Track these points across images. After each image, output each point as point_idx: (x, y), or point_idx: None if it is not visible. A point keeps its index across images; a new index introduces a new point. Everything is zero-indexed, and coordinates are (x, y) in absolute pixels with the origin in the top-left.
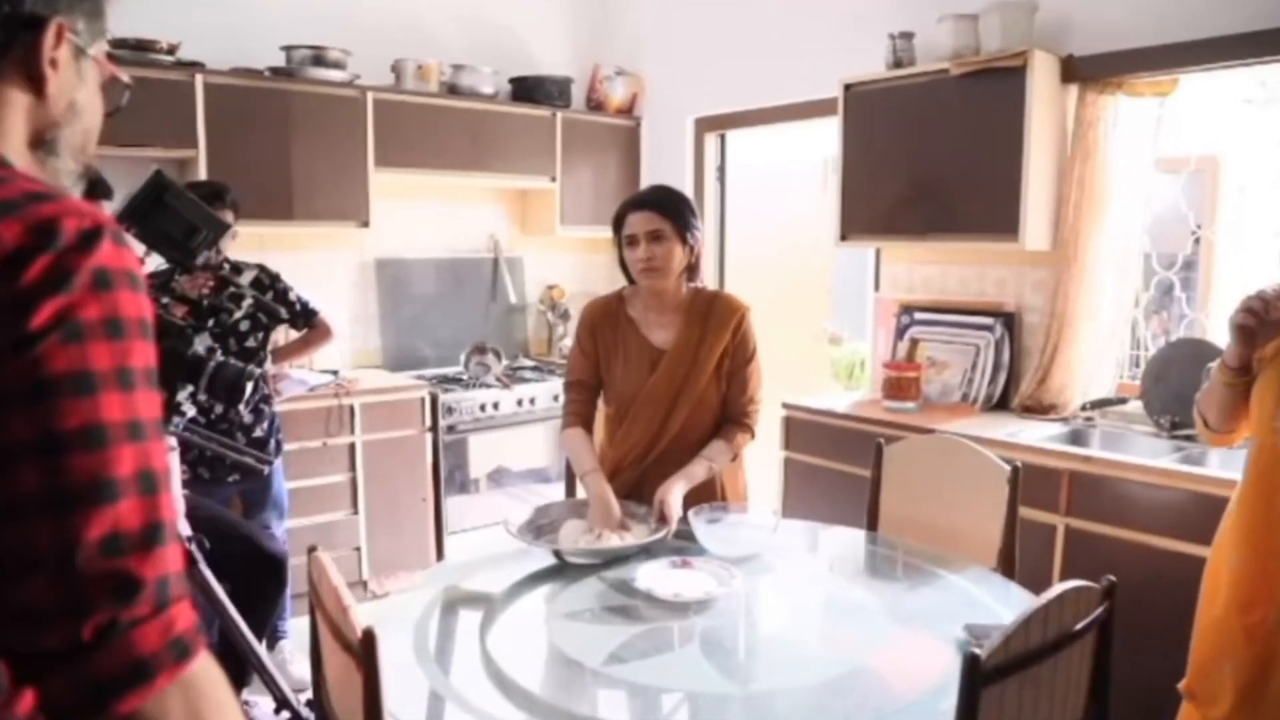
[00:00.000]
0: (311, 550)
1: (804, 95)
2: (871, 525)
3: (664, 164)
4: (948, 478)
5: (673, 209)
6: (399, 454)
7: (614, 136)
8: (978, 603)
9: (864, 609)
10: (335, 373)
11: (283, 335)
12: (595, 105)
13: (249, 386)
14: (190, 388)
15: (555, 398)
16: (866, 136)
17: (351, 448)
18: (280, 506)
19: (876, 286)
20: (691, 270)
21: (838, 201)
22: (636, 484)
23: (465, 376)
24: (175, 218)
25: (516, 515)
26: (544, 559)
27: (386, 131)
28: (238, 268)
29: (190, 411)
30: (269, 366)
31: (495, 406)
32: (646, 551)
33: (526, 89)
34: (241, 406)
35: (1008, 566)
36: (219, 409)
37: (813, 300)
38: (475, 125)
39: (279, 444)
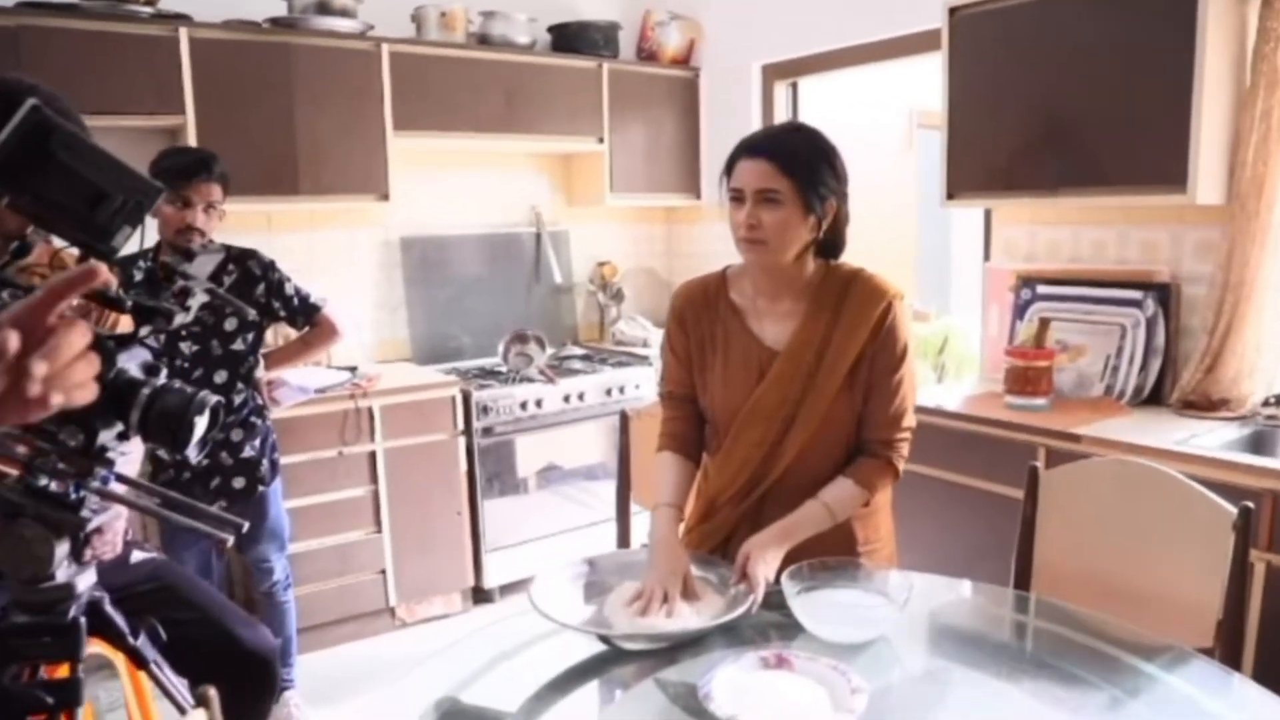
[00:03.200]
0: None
1: (894, 30)
2: (1022, 580)
3: (727, 119)
4: (1137, 519)
5: (796, 162)
6: (427, 462)
7: (669, 90)
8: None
9: None
10: (353, 369)
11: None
12: (647, 55)
13: (200, 421)
14: (119, 425)
15: (609, 392)
16: (980, 72)
17: (372, 456)
18: (280, 536)
19: (987, 255)
20: (827, 247)
21: (943, 154)
22: (733, 532)
23: (504, 369)
24: (70, 178)
25: (549, 576)
26: (583, 644)
27: (406, 90)
28: (229, 254)
29: (130, 457)
30: (261, 373)
31: (538, 404)
32: (730, 630)
33: (567, 38)
34: (192, 451)
35: (1232, 650)
36: None
37: (895, 272)
38: (509, 81)
39: (275, 464)
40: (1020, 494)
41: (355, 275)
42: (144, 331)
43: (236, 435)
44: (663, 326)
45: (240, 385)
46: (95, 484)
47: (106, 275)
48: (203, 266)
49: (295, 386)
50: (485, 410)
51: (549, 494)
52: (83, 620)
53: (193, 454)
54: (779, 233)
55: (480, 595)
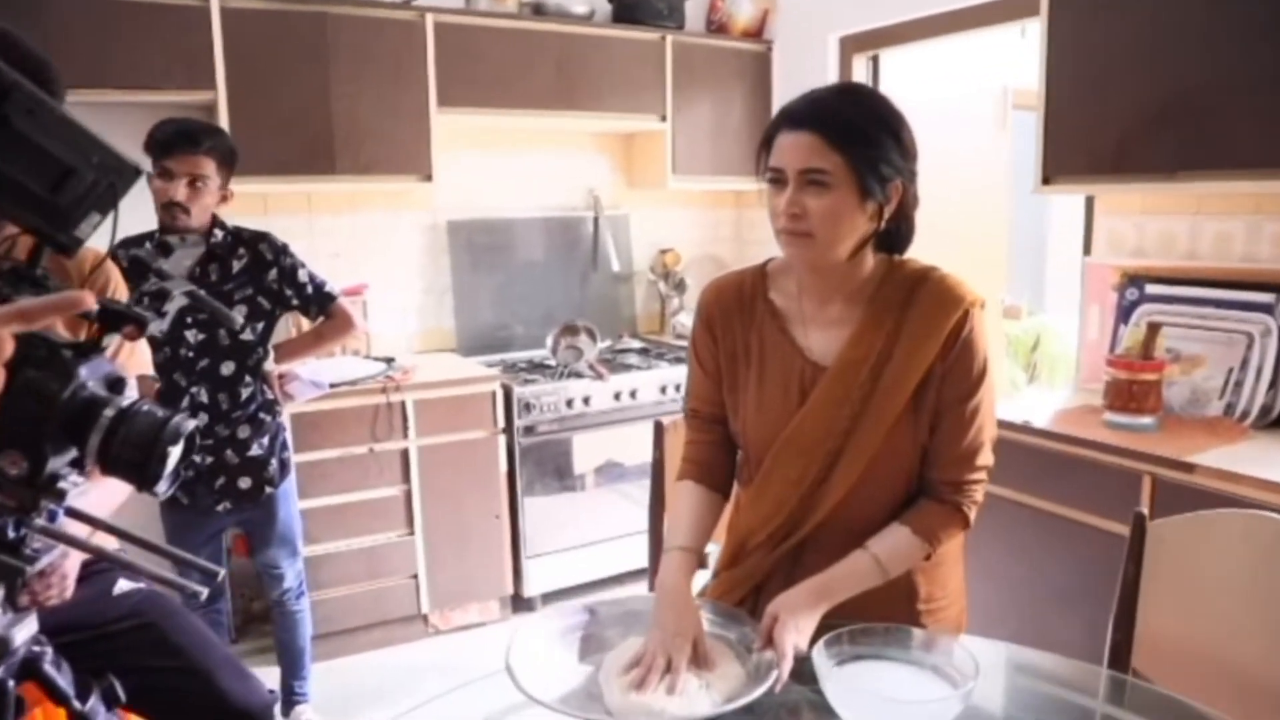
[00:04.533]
0: None
1: None
2: (1120, 656)
3: None
4: (1275, 589)
5: (850, 133)
6: (464, 461)
7: (739, 64)
8: None
9: None
10: (390, 360)
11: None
12: (716, 27)
13: (174, 451)
14: (73, 451)
15: (664, 390)
16: (1084, 38)
17: (405, 454)
18: (291, 541)
19: (1087, 248)
20: (890, 239)
21: (1039, 133)
22: (765, 581)
23: (553, 362)
24: (29, 150)
25: (537, 627)
26: None
27: (452, 64)
28: (239, 237)
29: (83, 486)
30: (270, 365)
31: (586, 401)
32: (748, 711)
33: (628, 7)
34: (162, 485)
35: None
36: (202, 416)
37: (985, 264)
38: (565, 54)
39: (285, 464)
40: (1120, 528)
41: (399, 260)
42: (173, 309)
43: (244, 432)
44: None
45: (248, 378)
46: (40, 521)
47: (90, 303)
48: (181, 261)
49: (308, 381)
50: (528, 407)
51: (597, 497)
52: (11, 685)
53: (162, 488)
54: (828, 223)
55: (520, 603)
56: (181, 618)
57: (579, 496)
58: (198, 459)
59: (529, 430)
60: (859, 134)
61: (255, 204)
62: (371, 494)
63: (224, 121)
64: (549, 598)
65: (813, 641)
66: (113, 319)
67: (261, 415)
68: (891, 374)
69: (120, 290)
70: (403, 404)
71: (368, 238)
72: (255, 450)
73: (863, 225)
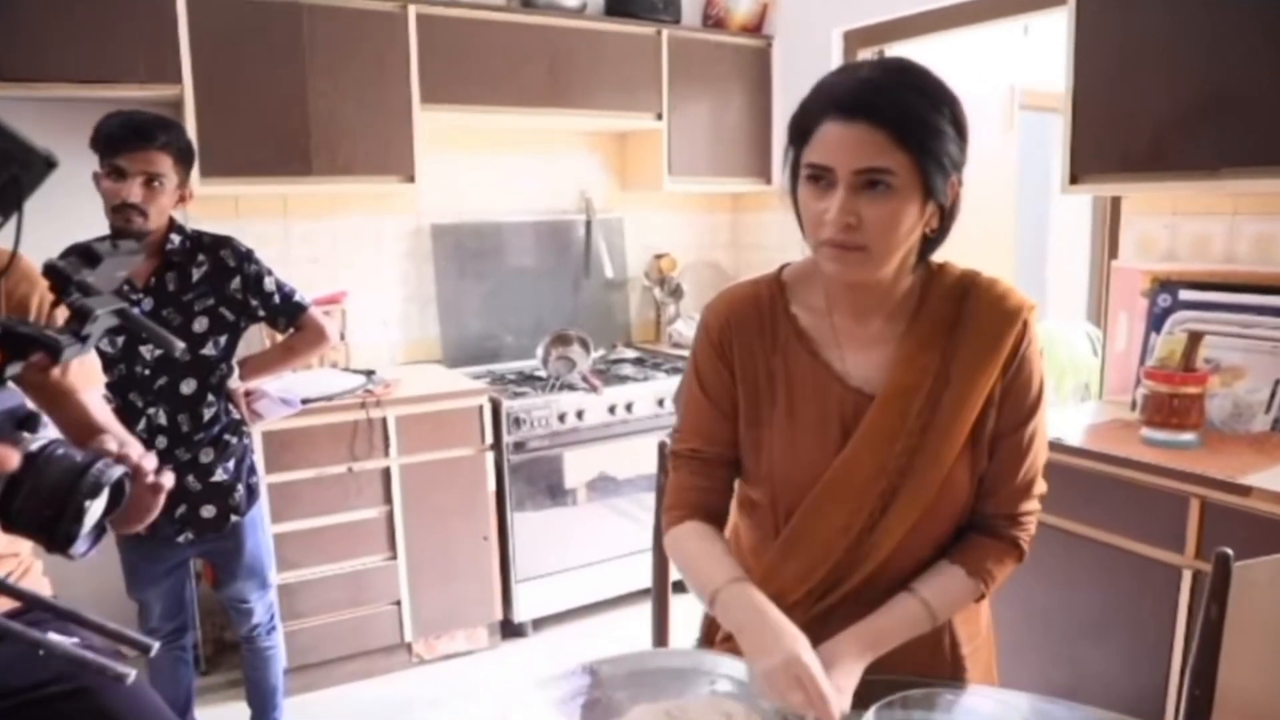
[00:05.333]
0: None
1: None
2: (1198, 713)
3: (802, 94)
4: None
5: (919, 127)
6: (450, 480)
7: (737, 60)
8: None
9: None
10: (370, 373)
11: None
12: (713, 21)
13: (94, 506)
14: None
15: (661, 402)
16: (1117, 26)
17: (386, 473)
18: (260, 573)
19: (1113, 251)
20: (926, 241)
21: (1066, 130)
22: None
23: (544, 374)
24: None
25: (526, 706)
26: None
27: (436, 58)
28: (199, 242)
29: None
30: (235, 382)
31: (579, 415)
32: None
33: (622, 1)
34: (80, 546)
35: None
36: (160, 440)
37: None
38: (555, 48)
39: (253, 489)
40: (1163, 555)
41: (381, 266)
42: (97, 332)
43: (206, 455)
44: None
45: (211, 396)
46: None
47: None
48: (112, 272)
49: (277, 398)
50: (518, 423)
51: (590, 514)
52: None
53: (80, 550)
54: (886, 234)
55: (510, 629)
56: (127, 686)
57: (571, 514)
58: None
59: (519, 447)
60: (924, 125)
61: (226, 207)
62: (350, 516)
63: (191, 118)
64: (540, 623)
65: (857, 701)
66: (18, 343)
67: (226, 437)
68: (951, 400)
69: (46, 304)
70: (384, 420)
71: (347, 243)
72: (220, 475)
73: (918, 230)
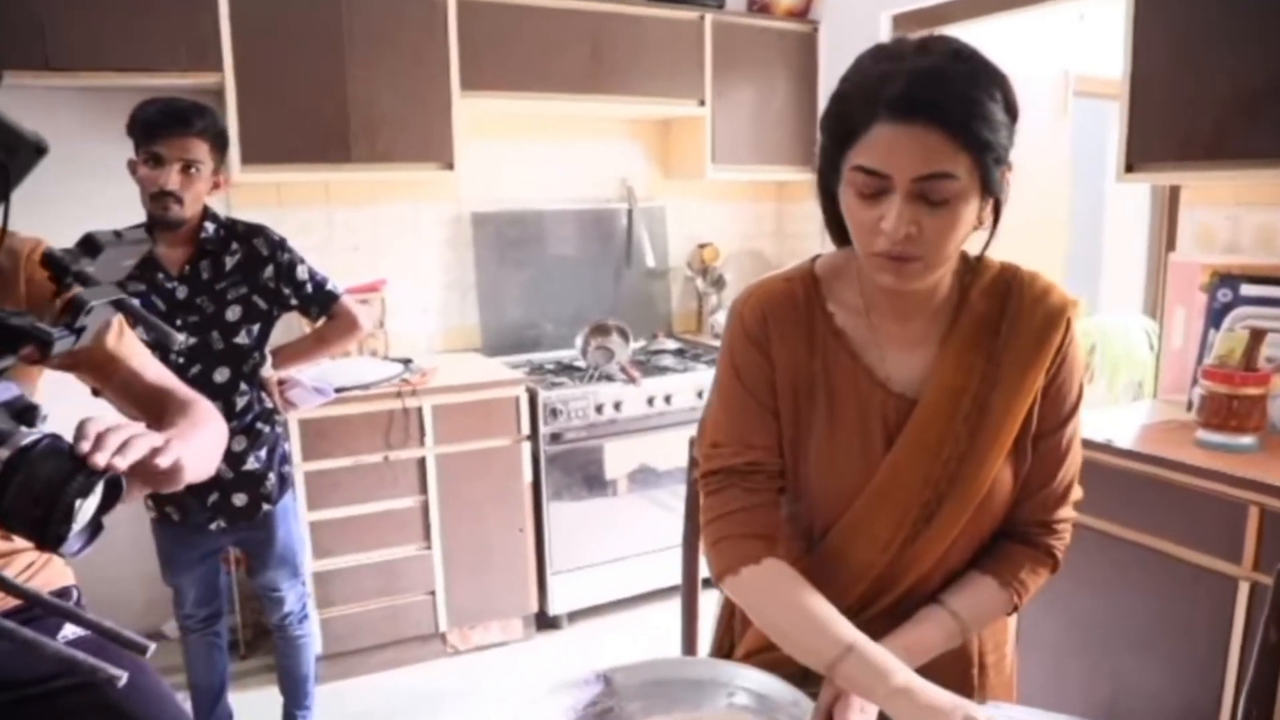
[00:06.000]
0: None
1: None
2: None
3: None
4: None
5: (978, 117)
6: (486, 471)
7: (783, 46)
8: None
9: None
10: (408, 362)
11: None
12: (758, 6)
13: (85, 506)
14: None
15: (700, 394)
16: (1176, 13)
17: (421, 463)
18: (291, 561)
19: (1171, 244)
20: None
21: (1124, 117)
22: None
23: (583, 364)
24: None
25: (537, 708)
26: None
27: (476, 45)
28: (233, 230)
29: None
30: (268, 370)
31: (617, 407)
32: None
33: None
34: (73, 544)
35: None
36: None
37: (1044, 261)
38: (597, 34)
39: (285, 478)
40: (1218, 564)
41: (421, 254)
42: (92, 324)
43: (239, 444)
44: None
45: (244, 385)
46: None
47: None
48: (115, 263)
49: (311, 387)
50: (555, 413)
51: (627, 506)
52: None
53: (72, 549)
54: (945, 241)
55: (544, 621)
56: (132, 675)
57: (608, 505)
58: None
59: (555, 438)
60: (984, 120)
61: (269, 194)
62: (386, 505)
63: (232, 105)
64: (575, 616)
65: None
66: (9, 336)
67: (259, 425)
68: (1000, 402)
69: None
70: (420, 409)
71: (388, 230)
72: (252, 464)
73: (971, 231)
